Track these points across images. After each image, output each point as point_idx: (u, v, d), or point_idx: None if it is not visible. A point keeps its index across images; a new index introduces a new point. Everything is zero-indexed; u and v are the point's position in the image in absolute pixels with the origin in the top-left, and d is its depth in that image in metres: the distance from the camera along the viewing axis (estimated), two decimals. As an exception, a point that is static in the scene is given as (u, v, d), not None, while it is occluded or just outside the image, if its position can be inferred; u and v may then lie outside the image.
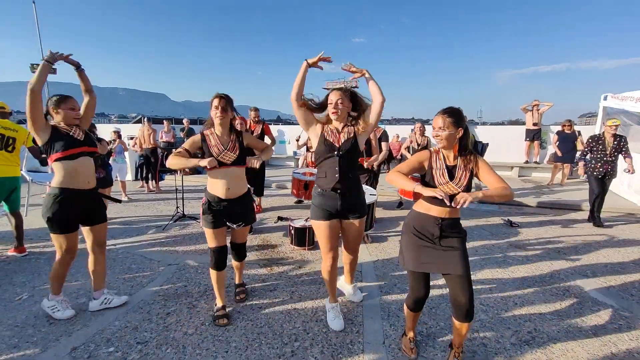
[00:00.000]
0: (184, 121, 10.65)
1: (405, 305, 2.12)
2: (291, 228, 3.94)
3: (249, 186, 2.59)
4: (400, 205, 5.97)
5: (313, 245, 3.94)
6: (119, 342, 2.22)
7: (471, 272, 1.88)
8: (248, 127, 5.07)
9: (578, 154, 8.45)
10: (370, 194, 3.77)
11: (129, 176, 8.37)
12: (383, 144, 4.99)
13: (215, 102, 2.31)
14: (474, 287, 1.88)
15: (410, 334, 2.15)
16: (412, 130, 6.25)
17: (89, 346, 2.19)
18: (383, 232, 4.56)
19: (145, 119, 8.91)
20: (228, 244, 2.56)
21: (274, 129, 11.90)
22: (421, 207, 1.92)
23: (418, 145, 6.24)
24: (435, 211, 1.86)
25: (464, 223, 4.87)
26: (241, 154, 2.38)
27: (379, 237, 4.33)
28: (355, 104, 2.33)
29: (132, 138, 8.14)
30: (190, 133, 10.20)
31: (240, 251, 2.71)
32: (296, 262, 3.54)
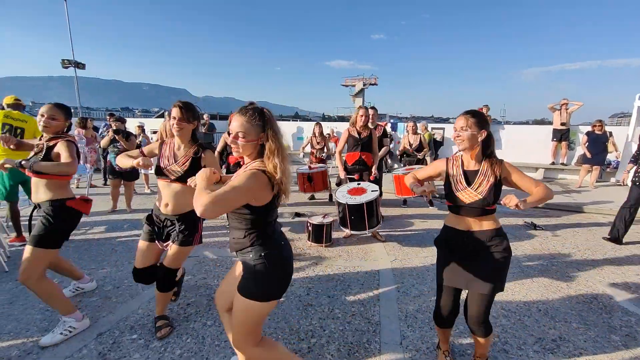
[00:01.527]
0: (205, 116, 10.84)
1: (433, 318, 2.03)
2: (309, 225, 3.95)
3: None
4: (405, 202, 5.96)
5: (330, 242, 3.94)
6: (141, 330, 2.30)
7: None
8: None
9: (611, 156, 8.07)
10: (372, 190, 3.74)
11: (152, 169, 8.62)
12: (385, 141, 5.01)
13: (173, 112, 2.10)
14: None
15: (444, 347, 2.05)
16: (405, 129, 6.15)
17: (113, 332, 2.28)
18: (395, 231, 4.51)
19: (167, 114, 9.15)
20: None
21: (292, 125, 11.96)
22: (449, 220, 1.85)
23: (410, 145, 6.10)
24: (463, 224, 1.77)
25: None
26: (190, 171, 2.08)
27: (393, 236, 4.28)
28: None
29: (155, 132, 8.37)
30: (211, 128, 10.38)
31: (164, 279, 2.23)
32: (313, 259, 3.55)
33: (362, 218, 3.65)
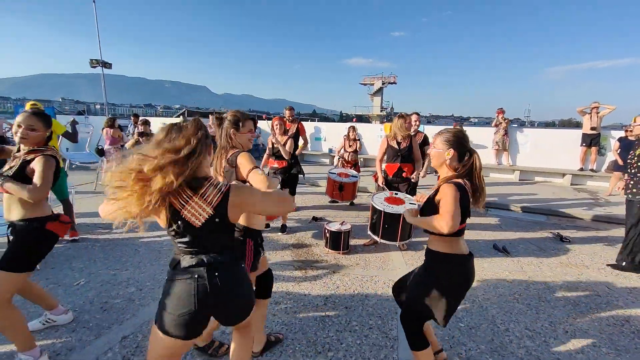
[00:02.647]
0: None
1: None
2: (326, 231, 3.94)
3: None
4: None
5: (348, 249, 3.92)
6: (163, 335, 2.36)
7: (517, 291, 1.77)
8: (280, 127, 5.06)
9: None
10: (410, 202, 3.66)
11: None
12: (426, 149, 4.83)
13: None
14: (519, 306, 1.76)
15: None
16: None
17: (137, 336, 2.35)
18: (414, 239, 4.42)
19: (186, 113, 9.33)
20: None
21: (310, 125, 11.95)
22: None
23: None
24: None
25: (507, 234, 4.63)
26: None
27: (412, 245, 4.20)
28: None
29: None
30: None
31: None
32: (330, 267, 3.54)
33: (395, 229, 3.59)
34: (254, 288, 2.10)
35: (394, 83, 42.70)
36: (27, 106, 4.20)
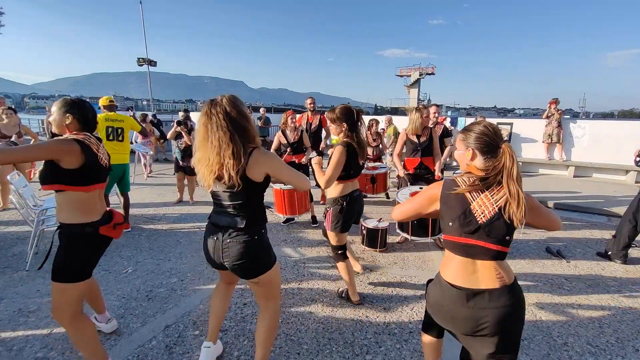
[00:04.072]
0: (261, 110, 11.15)
1: None
2: (363, 228, 3.84)
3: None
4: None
5: (385, 247, 3.79)
6: (203, 327, 2.41)
7: (575, 301, 1.55)
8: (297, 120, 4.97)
9: None
10: None
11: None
12: (446, 141, 4.60)
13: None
14: (579, 318, 1.55)
15: None
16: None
17: (178, 326, 2.42)
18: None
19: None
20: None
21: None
22: None
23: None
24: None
25: (561, 236, 4.23)
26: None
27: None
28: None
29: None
30: (267, 122, 10.67)
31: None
32: (367, 265, 3.44)
33: (425, 224, 3.43)
34: None
35: (432, 74, 40.90)
36: (103, 101, 4.22)
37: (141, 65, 18.47)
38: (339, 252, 2.64)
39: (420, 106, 4.14)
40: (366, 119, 8.42)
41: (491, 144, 1.35)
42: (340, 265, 2.66)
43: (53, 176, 1.69)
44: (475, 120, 1.48)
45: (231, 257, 1.64)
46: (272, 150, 4.61)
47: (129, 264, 3.36)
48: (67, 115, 1.81)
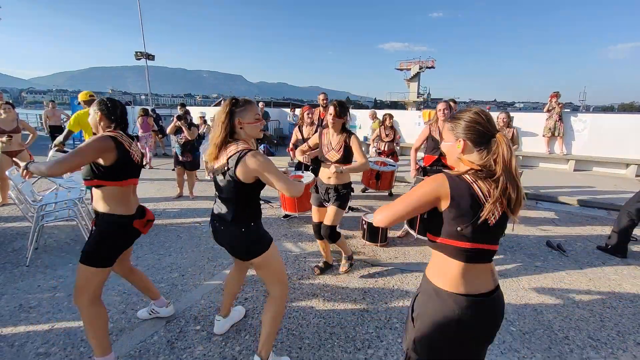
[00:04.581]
0: (260, 104, 11.09)
1: None
2: (364, 222, 3.83)
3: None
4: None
5: (386, 242, 3.79)
6: (204, 322, 2.41)
7: (576, 295, 1.53)
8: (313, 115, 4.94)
9: None
10: None
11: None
12: None
13: (330, 109, 2.72)
14: (580, 312, 1.53)
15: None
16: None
17: (179, 321, 2.42)
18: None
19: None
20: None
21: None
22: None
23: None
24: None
25: (561, 230, 4.22)
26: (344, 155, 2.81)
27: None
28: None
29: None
30: (265, 117, 10.61)
31: (330, 234, 2.95)
32: (368, 260, 3.44)
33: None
34: None
35: (432, 67, 40.65)
36: (82, 96, 4.13)
37: (139, 59, 18.30)
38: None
39: (451, 102, 3.98)
40: (380, 113, 8.42)
41: (485, 133, 1.17)
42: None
43: (93, 173, 1.83)
44: (465, 109, 1.24)
45: (224, 241, 1.88)
46: (290, 145, 4.86)
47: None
48: (97, 111, 1.92)
